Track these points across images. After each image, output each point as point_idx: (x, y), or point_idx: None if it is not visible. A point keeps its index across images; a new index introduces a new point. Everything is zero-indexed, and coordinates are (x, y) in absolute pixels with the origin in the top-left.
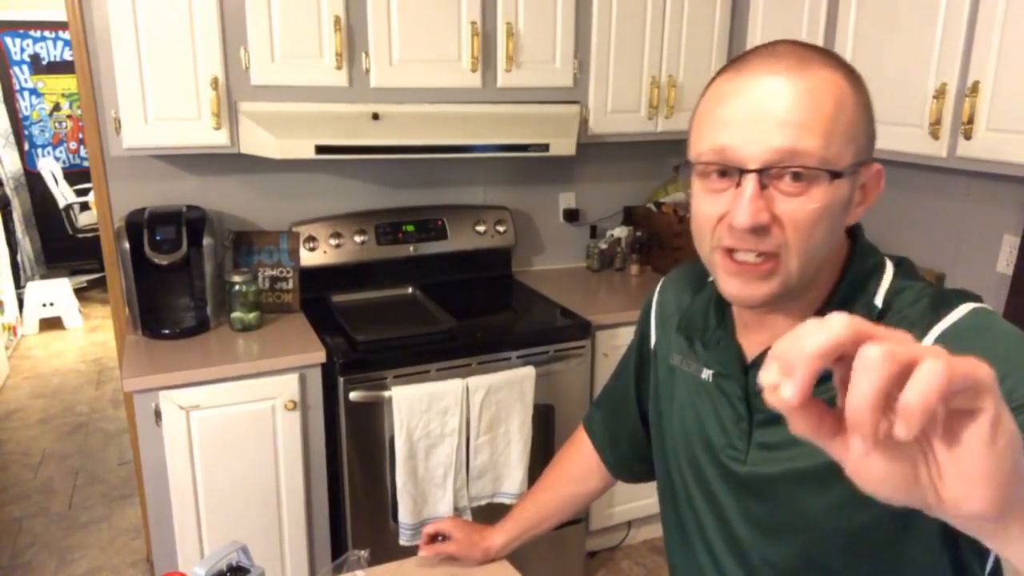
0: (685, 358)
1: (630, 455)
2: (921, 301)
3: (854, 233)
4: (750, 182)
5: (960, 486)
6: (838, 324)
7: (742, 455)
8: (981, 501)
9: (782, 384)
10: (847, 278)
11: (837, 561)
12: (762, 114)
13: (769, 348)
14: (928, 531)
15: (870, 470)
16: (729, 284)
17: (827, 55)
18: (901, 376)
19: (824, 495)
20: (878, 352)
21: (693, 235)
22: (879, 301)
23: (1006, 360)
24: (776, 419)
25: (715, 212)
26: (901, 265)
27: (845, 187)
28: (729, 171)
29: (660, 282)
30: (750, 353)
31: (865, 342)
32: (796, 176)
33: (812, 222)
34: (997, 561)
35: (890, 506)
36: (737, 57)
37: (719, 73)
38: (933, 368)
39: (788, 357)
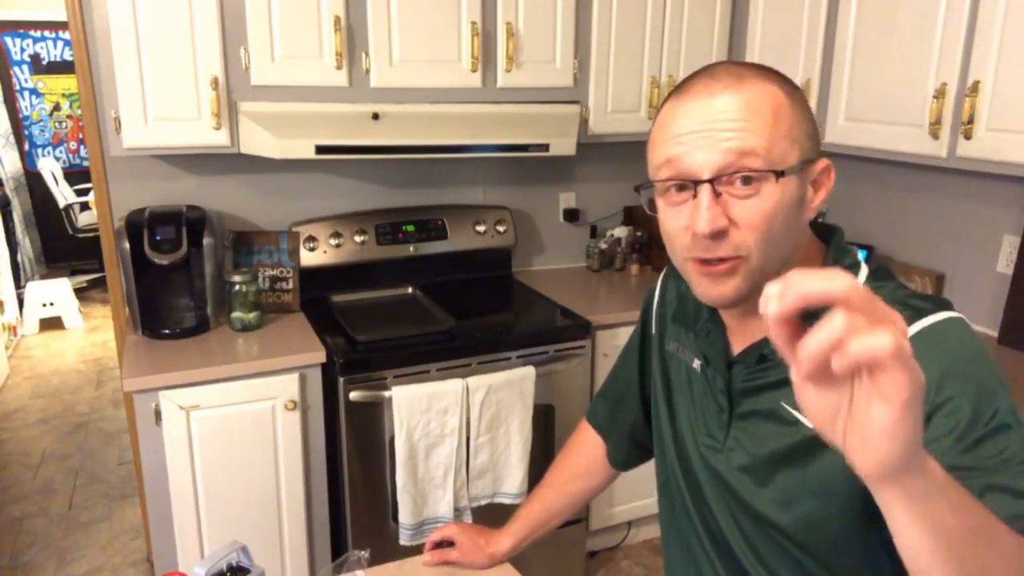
0: (680, 345)
1: (631, 442)
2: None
3: (830, 237)
4: (704, 191)
5: (855, 441)
6: (839, 282)
7: (719, 444)
8: (865, 461)
9: (771, 301)
10: None
11: (818, 552)
12: (709, 126)
13: (749, 345)
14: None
15: (803, 393)
16: (700, 285)
17: (762, 70)
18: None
19: (791, 477)
20: (842, 320)
21: (667, 249)
22: None
23: (948, 364)
24: (754, 413)
25: (680, 224)
26: (877, 268)
27: (794, 184)
28: (685, 184)
29: (663, 271)
30: (736, 348)
31: (851, 307)
32: (746, 180)
33: (767, 219)
34: None
35: (857, 493)
36: (680, 83)
37: (665, 100)
38: (878, 340)
39: (790, 285)
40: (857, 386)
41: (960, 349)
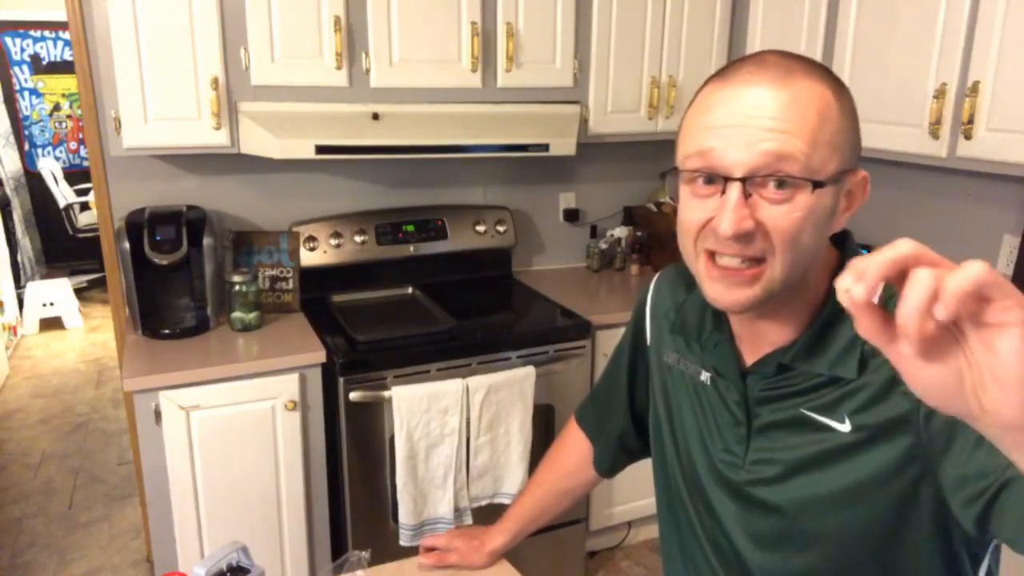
0: (682, 357)
1: (617, 450)
2: None
3: (843, 241)
4: (734, 190)
5: (998, 393)
6: (904, 245)
7: (739, 460)
8: (1011, 406)
9: (853, 287)
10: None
11: (833, 569)
12: (747, 122)
13: (766, 355)
14: (920, 532)
15: (920, 374)
16: (713, 289)
17: (813, 66)
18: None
19: (820, 485)
20: (926, 273)
21: (679, 240)
22: None
23: None
24: (776, 424)
25: (701, 217)
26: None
27: (829, 195)
28: (715, 178)
29: (654, 279)
30: (748, 358)
31: (924, 264)
32: (780, 184)
33: (796, 229)
34: (990, 568)
35: (886, 500)
36: (725, 66)
37: (707, 82)
38: (968, 271)
39: (860, 267)
40: (971, 336)
41: None
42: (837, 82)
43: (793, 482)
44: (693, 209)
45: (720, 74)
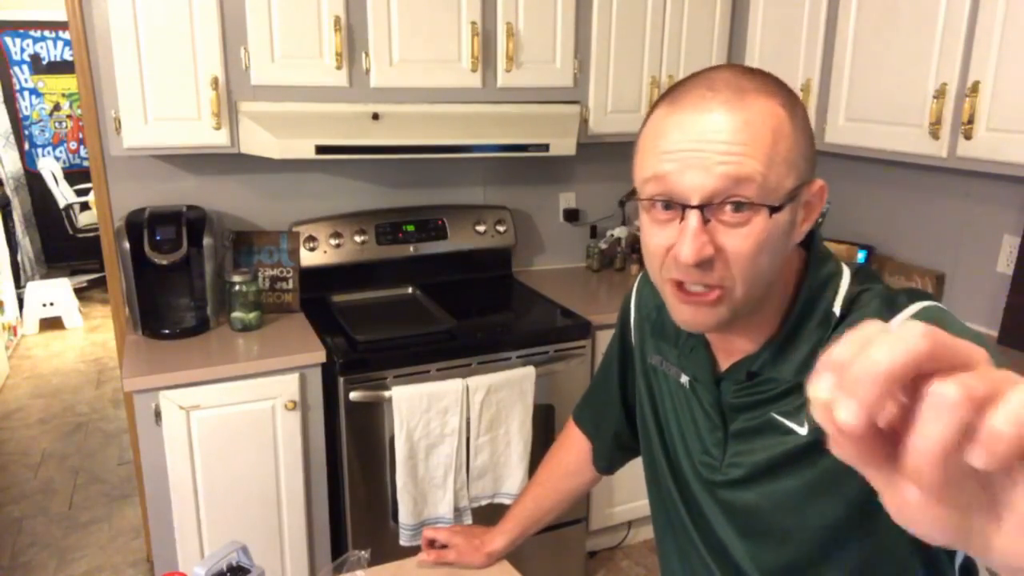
0: (665, 360)
1: (614, 448)
2: (872, 303)
3: (808, 242)
4: (693, 217)
5: (1019, 537)
6: (916, 337)
7: (717, 463)
8: None
9: (839, 404)
10: (803, 290)
11: (815, 561)
12: (703, 146)
13: (736, 362)
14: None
15: (917, 513)
16: (680, 311)
17: (764, 81)
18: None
19: (787, 483)
20: (956, 393)
21: (646, 264)
22: (837, 309)
23: None
24: (748, 430)
25: (663, 243)
26: (859, 271)
27: (786, 215)
28: (672, 204)
29: (636, 280)
30: (722, 363)
31: (942, 365)
32: (737, 207)
33: (754, 253)
34: (966, 556)
35: (858, 490)
36: (673, 87)
37: (656, 105)
38: (959, 394)
39: (853, 372)
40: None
41: (961, 332)
42: (789, 95)
43: (764, 482)
44: (654, 235)
45: (670, 96)
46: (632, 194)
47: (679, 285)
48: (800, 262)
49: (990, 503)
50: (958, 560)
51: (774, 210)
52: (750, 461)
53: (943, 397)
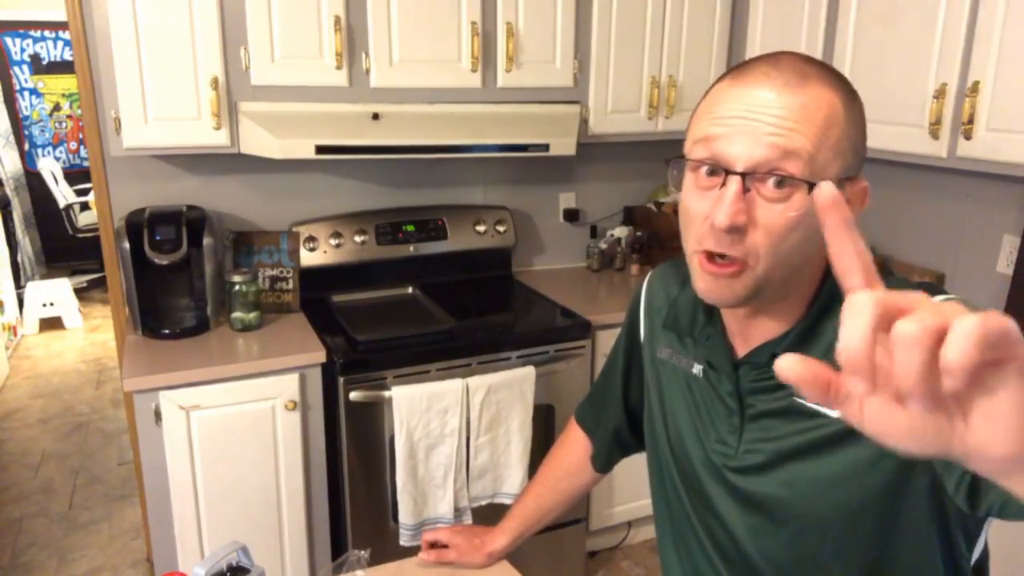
0: (675, 352)
1: (612, 445)
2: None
3: None
4: (733, 183)
5: (987, 431)
6: (863, 311)
7: (732, 450)
8: (1008, 442)
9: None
10: (827, 282)
11: (829, 554)
12: (755, 115)
13: (757, 347)
14: (916, 513)
15: (897, 424)
16: (703, 280)
17: (827, 72)
18: (938, 341)
19: (812, 471)
20: (914, 328)
21: (681, 229)
22: None
23: None
24: (769, 413)
25: (701, 210)
26: (880, 267)
27: None
28: (717, 170)
29: (647, 276)
30: (740, 350)
31: (893, 315)
32: (779, 183)
33: (787, 229)
34: (985, 547)
35: (882, 482)
36: (740, 64)
37: (721, 78)
38: (969, 326)
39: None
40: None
41: None
42: (849, 90)
43: (785, 469)
44: (695, 200)
45: (734, 71)
46: (680, 157)
47: (709, 257)
48: (823, 264)
49: (961, 409)
50: (976, 550)
51: (815, 188)
52: (771, 448)
53: (905, 332)
